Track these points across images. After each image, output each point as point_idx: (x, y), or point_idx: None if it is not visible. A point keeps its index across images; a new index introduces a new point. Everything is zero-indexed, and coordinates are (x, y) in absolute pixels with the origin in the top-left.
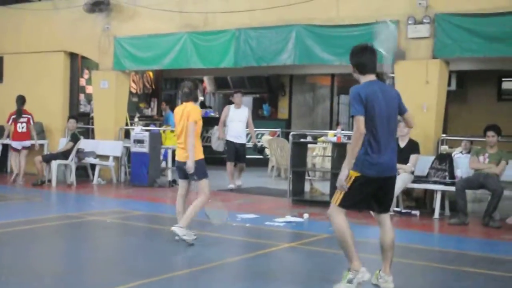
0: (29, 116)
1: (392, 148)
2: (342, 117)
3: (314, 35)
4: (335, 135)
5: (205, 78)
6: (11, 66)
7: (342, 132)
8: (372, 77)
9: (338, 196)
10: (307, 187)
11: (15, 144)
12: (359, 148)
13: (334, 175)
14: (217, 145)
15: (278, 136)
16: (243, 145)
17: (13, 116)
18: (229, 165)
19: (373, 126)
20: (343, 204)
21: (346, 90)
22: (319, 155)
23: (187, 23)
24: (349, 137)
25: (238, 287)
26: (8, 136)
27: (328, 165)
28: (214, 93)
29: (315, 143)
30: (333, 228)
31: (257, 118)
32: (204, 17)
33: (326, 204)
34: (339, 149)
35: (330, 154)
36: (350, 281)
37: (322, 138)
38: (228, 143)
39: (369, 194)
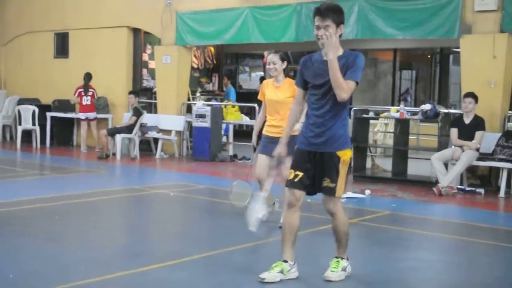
0: (93, 91)
1: None
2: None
3: (377, 9)
4: (398, 111)
5: (265, 53)
6: (76, 42)
7: (405, 108)
8: None
9: (342, 185)
10: (368, 164)
11: (81, 115)
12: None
13: (397, 151)
14: None
15: None
16: None
17: (79, 90)
18: None
19: None
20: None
21: (408, 66)
22: (380, 131)
23: None
24: (413, 113)
25: (298, 262)
26: (73, 110)
27: (389, 141)
28: None
29: (377, 118)
30: (342, 222)
31: None
32: None
33: (387, 180)
34: (402, 125)
35: (391, 130)
36: (345, 269)
37: (385, 114)
38: None
39: None
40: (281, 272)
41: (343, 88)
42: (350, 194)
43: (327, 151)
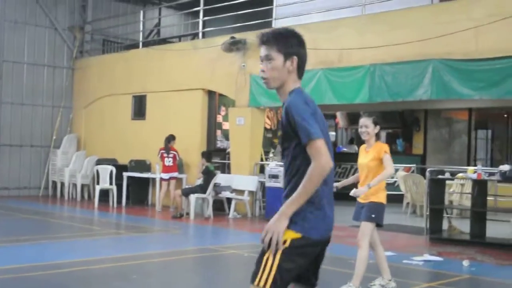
0: (175, 153)
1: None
2: (480, 153)
3: (452, 70)
4: (475, 172)
5: (338, 114)
6: (153, 103)
7: (483, 168)
8: (300, 84)
9: (266, 274)
10: (444, 225)
11: (164, 175)
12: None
13: (475, 213)
14: None
15: (413, 172)
16: None
17: (162, 152)
18: None
19: None
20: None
21: (484, 125)
22: (456, 192)
23: (322, 60)
24: (490, 174)
25: None
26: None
27: (466, 202)
28: (347, 128)
29: (453, 179)
30: None
31: (391, 153)
32: (339, 54)
33: (465, 243)
34: (480, 187)
35: (468, 191)
36: None
37: (461, 175)
38: None
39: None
40: None
41: (324, 170)
42: (427, 257)
43: None
